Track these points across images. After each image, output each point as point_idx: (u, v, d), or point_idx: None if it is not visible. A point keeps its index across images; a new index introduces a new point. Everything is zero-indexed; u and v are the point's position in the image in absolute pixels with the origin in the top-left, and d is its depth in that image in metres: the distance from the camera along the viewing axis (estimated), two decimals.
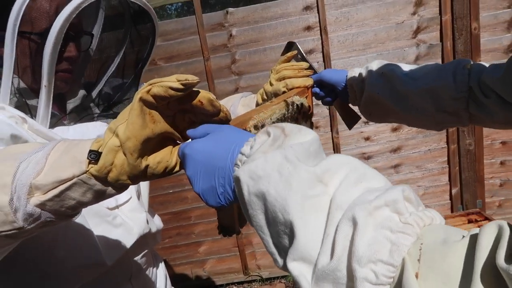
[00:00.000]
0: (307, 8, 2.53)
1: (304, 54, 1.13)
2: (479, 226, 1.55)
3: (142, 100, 0.49)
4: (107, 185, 0.53)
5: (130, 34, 0.85)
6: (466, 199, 2.81)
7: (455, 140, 2.71)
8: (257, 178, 0.44)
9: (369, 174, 0.43)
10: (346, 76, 1.03)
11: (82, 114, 0.84)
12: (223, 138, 0.53)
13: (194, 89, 0.51)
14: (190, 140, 0.57)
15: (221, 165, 0.51)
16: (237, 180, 0.47)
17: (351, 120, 1.15)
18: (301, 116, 0.93)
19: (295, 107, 0.88)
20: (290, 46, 1.13)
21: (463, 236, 0.35)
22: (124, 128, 0.49)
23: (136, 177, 0.52)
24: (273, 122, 0.79)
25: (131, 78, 0.85)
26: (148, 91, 0.48)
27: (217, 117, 0.55)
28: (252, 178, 0.45)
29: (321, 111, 2.68)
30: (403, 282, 0.35)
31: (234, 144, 0.51)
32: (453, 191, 2.81)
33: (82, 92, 0.88)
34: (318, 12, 2.52)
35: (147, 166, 0.52)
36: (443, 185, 2.83)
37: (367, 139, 2.74)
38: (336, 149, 2.73)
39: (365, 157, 2.76)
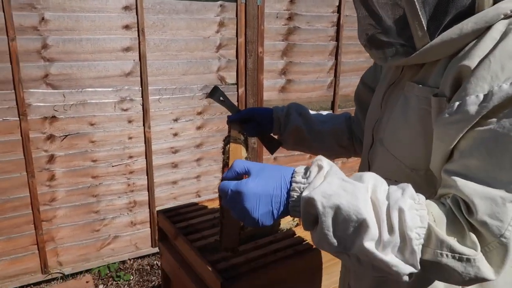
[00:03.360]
0: (126, 8, 2.67)
1: (227, 96, 1.35)
2: None
3: None
4: None
5: None
6: None
7: None
8: (328, 196, 0.67)
9: (381, 180, 0.71)
10: (272, 112, 1.31)
11: None
12: (270, 174, 0.74)
13: None
14: (225, 181, 0.78)
15: (276, 193, 0.72)
16: (309, 199, 0.68)
17: (273, 146, 1.39)
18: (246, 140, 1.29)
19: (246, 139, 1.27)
20: (215, 90, 1.34)
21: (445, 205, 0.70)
22: None
23: None
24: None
25: None
26: None
27: None
28: (324, 196, 0.67)
29: (134, 106, 2.85)
30: (435, 235, 0.66)
31: (280, 177, 0.73)
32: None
33: None
34: (137, 14, 2.69)
35: None
36: None
37: (175, 135, 3.06)
38: (147, 143, 2.94)
39: (173, 151, 3.08)
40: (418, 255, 0.66)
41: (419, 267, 0.67)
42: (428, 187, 0.80)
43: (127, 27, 2.70)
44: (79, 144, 2.72)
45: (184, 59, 2.95)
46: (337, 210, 0.67)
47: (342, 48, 3.58)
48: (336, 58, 3.61)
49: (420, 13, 0.75)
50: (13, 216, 2.60)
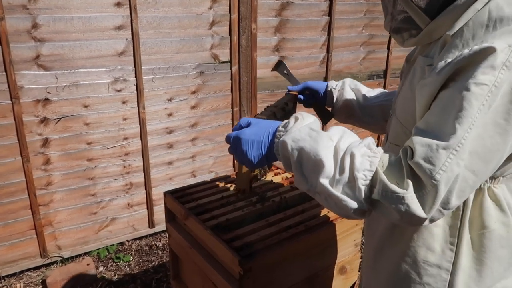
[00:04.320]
0: None
1: (290, 71, 1.46)
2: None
3: None
4: None
5: None
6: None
7: (237, 118, 3.34)
8: (296, 140, 0.85)
9: (350, 134, 0.86)
10: (327, 85, 1.43)
11: None
12: (262, 125, 0.96)
13: None
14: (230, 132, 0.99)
15: (265, 140, 0.93)
16: (283, 142, 0.86)
17: (326, 117, 1.50)
18: (286, 114, 1.41)
19: (286, 110, 1.40)
20: (279, 64, 1.48)
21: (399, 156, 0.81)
22: None
23: None
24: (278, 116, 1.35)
25: None
26: None
27: None
28: (294, 140, 0.85)
29: (128, 87, 2.79)
30: (379, 177, 0.77)
31: (269, 127, 0.94)
32: (236, 160, 3.45)
33: None
34: None
35: None
36: (228, 155, 3.42)
37: (169, 115, 3.03)
38: (142, 124, 2.90)
39: (168, 132, 3.05)
40: (363, 193, 0.78)
41: (365, 204, 0.80)
42: None
43: (118, 4, 2.61)
44: (73, 127, 2.66)
45: (177, 37, 2.89)
46: (301, 151, 0.84)
47: (334, 23, 3.56)
48: (329, 34, 3.58)
49: None
50: (9, 201, 2.56)
